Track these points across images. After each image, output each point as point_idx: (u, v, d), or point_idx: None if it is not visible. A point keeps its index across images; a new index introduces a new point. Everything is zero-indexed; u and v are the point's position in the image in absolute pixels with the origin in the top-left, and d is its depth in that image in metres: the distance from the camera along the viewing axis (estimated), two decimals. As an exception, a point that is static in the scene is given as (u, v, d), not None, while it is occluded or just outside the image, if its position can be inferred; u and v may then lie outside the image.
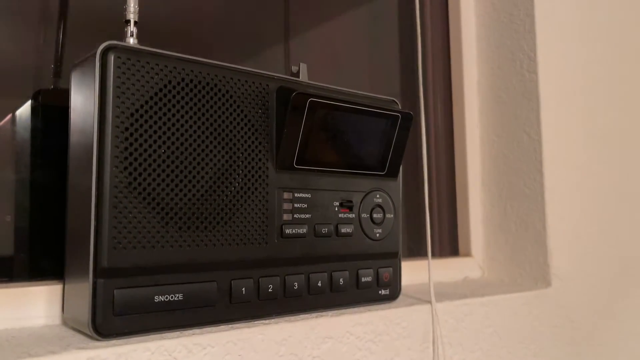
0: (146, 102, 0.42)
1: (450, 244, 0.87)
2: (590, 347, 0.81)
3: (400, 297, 0.60)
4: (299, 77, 0.54)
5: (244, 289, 0.47)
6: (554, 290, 0.76)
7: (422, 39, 0.87)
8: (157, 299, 0.42)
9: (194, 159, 0.45)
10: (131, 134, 0.42)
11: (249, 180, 0.48)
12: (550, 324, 0.75)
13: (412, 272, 0.72)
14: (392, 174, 0.59)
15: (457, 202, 0.87)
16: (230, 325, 0.46)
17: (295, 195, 0.51)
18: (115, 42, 0.42)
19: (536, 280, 0.77)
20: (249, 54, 0.73)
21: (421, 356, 0.58)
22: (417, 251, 0.85)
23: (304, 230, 0.51)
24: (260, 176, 0.49)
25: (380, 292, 0.58)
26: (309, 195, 0.52)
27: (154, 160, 0.42)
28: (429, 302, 0.60)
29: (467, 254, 0.85)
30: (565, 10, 0.85)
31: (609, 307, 0.85)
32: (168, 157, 0.43)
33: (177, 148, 0.44)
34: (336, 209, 0.54)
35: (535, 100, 0.79)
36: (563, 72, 0.83)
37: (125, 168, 0.41)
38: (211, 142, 0.46)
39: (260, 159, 0.49)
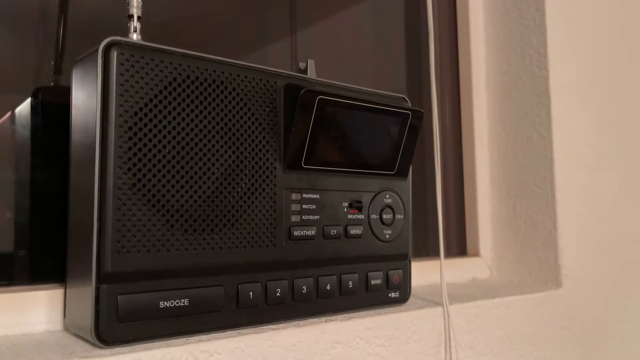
0: (150, 100, 0.41)
1: (458, 244, 0.86)
2: (602, 349, 0.79)
3: (410, 299, 0.59)
4: (307, 73, 0.52)
5: (251, 293, 0.46)
6: (564, 292, 0.74)
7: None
8: (162, 304, 0.41)
9: (200, 159, 0.43)
10: (135, 133, 0.40)
11: (256, 180, 0.46)
12: (562, 326, 0.73)
13: (419, 272, 0.71)
14: (402, 173, 0.57)
15: (465, 201, 0.86)
16: (237, 331, 0.45)
17: (304, 196, 0.50)
18: (118, 37, 0.40)
19: (546, 281, 0.76)
20: (255, 49, 0.71)
21: (432, 360, 0.57)
22: (423, 251, 0.83)
23: (313, 232, 0.50)
24: (267, 176, 0.47)
25: (390, 294, 0.56)
26: (317, 196, 0.51)
27: (159, 161, 0.41)
28: (440, 304, 0.59)
29: (476, 253, 0.83)
30: (577, 5, 0.83)
31: (621, 308, 0.84)
32: (173, 157, 0.42)
33: (183, 148, 0.42)
34: (345, 210, 0.53)
35: (545, 97, 0.77)
36: (574, 68, 0.81)
37: (129, 169, 0.40)
38: (217, 142, 0.44)
39: (267, 159, 0.47)
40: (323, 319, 0.50)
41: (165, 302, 0.41)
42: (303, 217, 0.49)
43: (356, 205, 0.54)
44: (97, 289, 0.39)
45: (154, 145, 0.41)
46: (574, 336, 0.75)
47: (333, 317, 0.51)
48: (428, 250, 0.83)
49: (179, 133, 0.42)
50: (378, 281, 0.55)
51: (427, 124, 0.63)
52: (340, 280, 0.52)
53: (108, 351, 0.38)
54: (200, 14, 0.66)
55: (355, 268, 0.53)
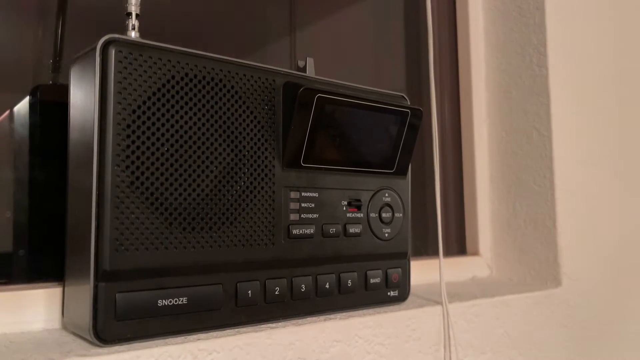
0: (149, 98, 0.41)
1: (458, 243, 0.86)
2: (602, 348, 0.79)
3: (409, 298, 0.59)
4: (305, 72, 0.52)
5: (250, 291, 0.46)
6: (564, 290, 0.74)
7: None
8: (160, 303, 0.41)
9: (199, 157, 0.43)
10: (133, 132, 0.40)
11: (254, 179, 0.46)
12: (561, 325, 0.73)
13: (418, 271, 0.71)
14: (401, 172, 0.57)
15: (465, 199, 0.86)
16: (236, 330, 0.45)
17: (303, 194, 0.50)
18: (116, 35, 0.40)
19: (546, 280, 0.75)
20: (254, 49, 0.71)
21: (432, 359, 0.57)
22: (423, 250, 0.83)
23: (312, 231, 0.50)
24: (266, 175, 0.47)
25: (389, 293, 0.56)
26: (316, 195, 0.51)
27: (157, 159, 0.41)
28: (439, 303, 0.58)
29: (475, 252, 0.83)
30: (577, 3, 0.83)
31: (621, 307, 0.84)
32: (171, 155, 0.41)
33: (181, 146, 0.42)
34: (344, 209, 0.53)
35: (545, 95, 0.77)
36: (574, 67, 0.81)
37: (127, 167, 0.39)
38: (216, 140, 0.44)
39: (266, 157, 0.47)
40: (322, 317, 0.50)
41: (164, 301, 0.41)
42: (302, 215, 0.49)
43: (355, 204, 0.54)
44: (96, 287, 0.39)
45: (152, 143, 0.41)
46: (574, 335, 0.75)
47: (332, 316, 0.51)
48: (427, 249, 0.83)
49: (177, 131, 0.42)
50: (377, 280, 0.55)
51: (426, 123, 0.63)
52: (339, 278, 0.52)
53: (106, 349, 0.38)
54: (200, 13, 0.66)
55: (355, 266, 0.53)
